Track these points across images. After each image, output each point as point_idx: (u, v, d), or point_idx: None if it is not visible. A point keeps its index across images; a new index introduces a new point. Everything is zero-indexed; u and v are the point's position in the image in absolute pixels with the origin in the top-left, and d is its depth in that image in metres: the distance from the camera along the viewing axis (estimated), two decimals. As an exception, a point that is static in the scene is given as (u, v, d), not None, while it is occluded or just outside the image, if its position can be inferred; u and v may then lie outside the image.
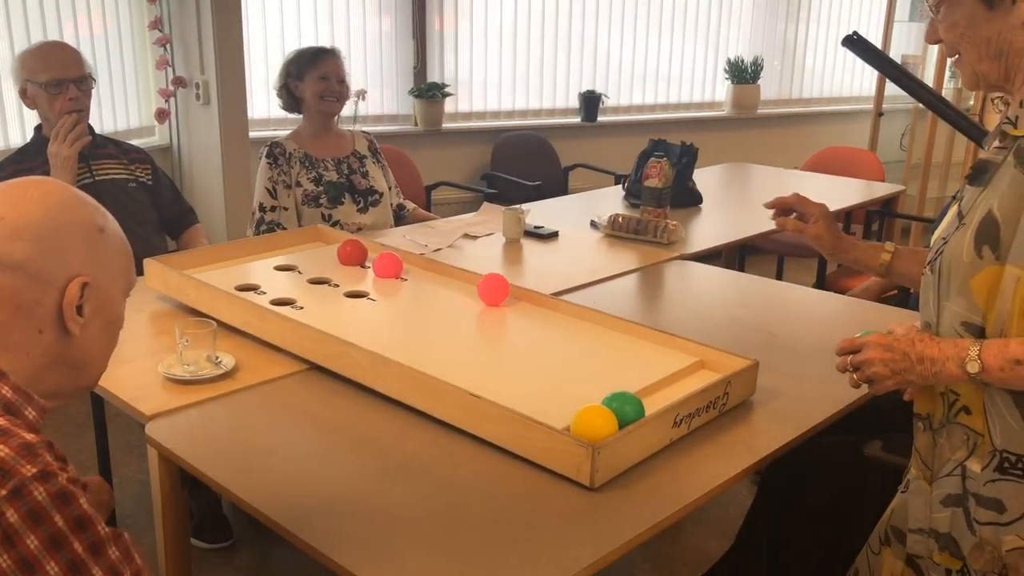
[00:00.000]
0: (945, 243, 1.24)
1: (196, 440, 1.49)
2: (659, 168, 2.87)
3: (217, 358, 1.69)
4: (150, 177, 2.72)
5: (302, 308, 1.93)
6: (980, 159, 1.26)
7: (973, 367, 1.16)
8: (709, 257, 2.70)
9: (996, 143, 1.24)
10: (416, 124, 4.68)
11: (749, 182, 3.96)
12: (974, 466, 1.22)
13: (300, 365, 1.73)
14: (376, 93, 4.57)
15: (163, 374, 1.65)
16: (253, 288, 2.04)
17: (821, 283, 3.45)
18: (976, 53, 1.22)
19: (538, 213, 2.98)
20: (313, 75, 2.83)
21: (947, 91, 4.94)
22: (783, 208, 1.68)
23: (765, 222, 3.06)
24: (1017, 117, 1.21)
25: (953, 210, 1.28)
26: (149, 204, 2.68)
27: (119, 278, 1.05)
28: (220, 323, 1.78)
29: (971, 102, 4.97)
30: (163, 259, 2.12)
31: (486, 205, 3.13)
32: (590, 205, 3.16)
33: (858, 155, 4.35)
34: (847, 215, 3.64)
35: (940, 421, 1.28)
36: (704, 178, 3.48)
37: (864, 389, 1.32)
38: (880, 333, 1.29)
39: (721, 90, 5.69)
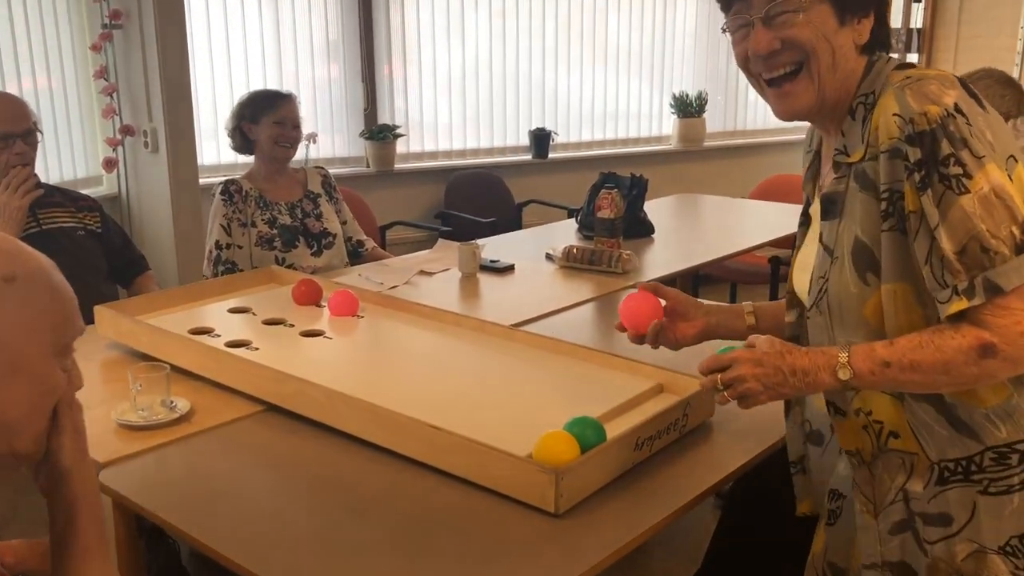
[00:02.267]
0: (826, 281, 1.23)
1: (153, 486, 1.45)
2: (610, 199, 2.91)
3: (172, 402, 1.66)
4: (99, 225, 2.68)
5: (257, 349, 1.91)
6: (825, 193, 1.25)
7: (844, 373, 1.15)
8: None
9: (834, 174, 1.24)
10: (368, 165, 4.69)
11: (699, 212, 4.03)
12: (915, 486, 1.21)
13: (257, 406, 1.70)
14: (327, 137, 4.57)
15: (116, 421, 1.62)
16: (207, 331, 2.01)
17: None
18: (830, 60, 1.19)
19: (493, 248, 3.00)
20: (269, 119, 2.83)
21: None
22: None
23: (717, 250, 3.15)
24: (845, 146, 1.22)
25: (815, 247, 1.28)
26: (99, 252, 2.64)
27: (41, 332, 0.89)
28: (174, 368, 1.76)
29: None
30: (114, 305, 2.09)
31: (441, 242, 3.14)
32: (544, 238, 3.18)
33: (803, 182, 4.44)
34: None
35: (872, 454, 1.25)
36: (655, 209, 3.53)
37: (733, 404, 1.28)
38: (743, 349, 1.26)
39: (667, 124, 5.79)
